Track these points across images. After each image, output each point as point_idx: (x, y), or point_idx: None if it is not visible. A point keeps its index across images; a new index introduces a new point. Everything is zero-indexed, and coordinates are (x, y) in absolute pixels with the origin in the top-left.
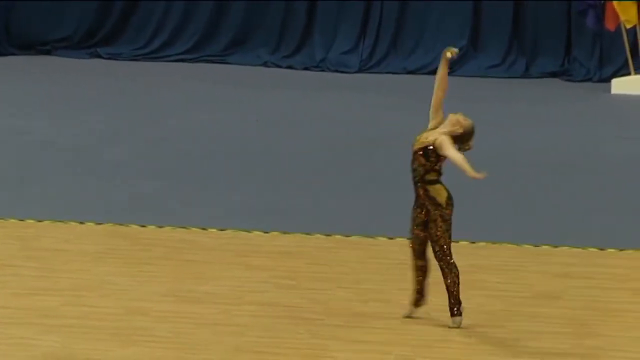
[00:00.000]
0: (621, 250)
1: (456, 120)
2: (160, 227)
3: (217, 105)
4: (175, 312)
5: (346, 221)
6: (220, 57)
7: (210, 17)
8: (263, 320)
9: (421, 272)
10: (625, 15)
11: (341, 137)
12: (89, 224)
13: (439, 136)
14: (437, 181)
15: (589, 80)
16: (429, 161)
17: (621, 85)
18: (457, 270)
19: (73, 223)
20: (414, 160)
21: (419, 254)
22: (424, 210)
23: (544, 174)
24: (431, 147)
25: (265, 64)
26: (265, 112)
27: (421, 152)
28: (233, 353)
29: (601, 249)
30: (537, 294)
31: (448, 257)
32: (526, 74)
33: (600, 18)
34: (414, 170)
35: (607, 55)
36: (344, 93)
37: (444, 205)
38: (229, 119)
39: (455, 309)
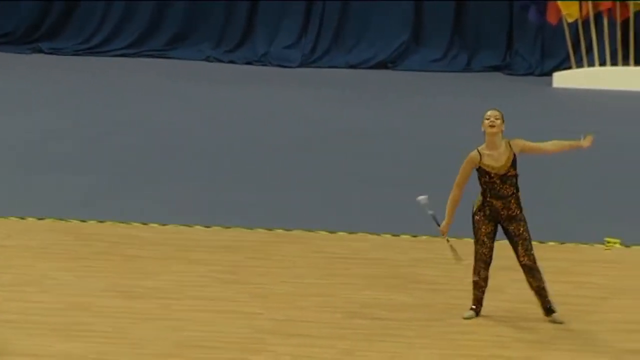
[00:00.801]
0: (562, 243)
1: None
2: (102, 222)
3: (159, 100)
4: (116, 307)
5: (287, 215)
6: (162, 52)
7: (152, 12)
8: (203, 315)
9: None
10: (567, 9)
11: (283, 131)
12: (30, 219)
13: (511, 142)
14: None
15: (531, 74)
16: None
17: (562, 79)
18: (478, 277)
19: (14, 219)
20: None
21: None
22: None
23: None
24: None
25: (207, 59)
26: (207, 107)
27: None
28: (174, 347)
29: (542, 242)
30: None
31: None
32: (468, 68)
33: (542, 12)
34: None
35: (549, 49)
36: (286, 87)
37: (521, 210)
38: (171, 114)
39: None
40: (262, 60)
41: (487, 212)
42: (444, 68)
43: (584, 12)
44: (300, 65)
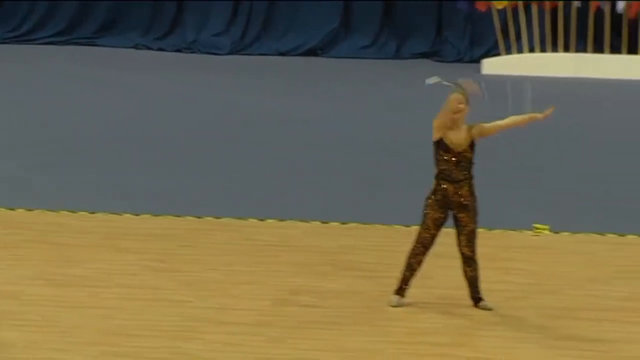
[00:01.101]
0: (490, 230)
1: (447, 103)
2: (30, 210)
3: (88, 88)
4: (45, 296)
5: (216, 203)
6: (91, 40)
7: (80, 0)
8: (133, 303)
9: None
10: None
11: (212, 118)
12: None
13: (471, 126)
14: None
15: (460, 60)
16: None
17: (491, 66)
18: (414, 260)
19: None
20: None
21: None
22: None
23: (416, 154)
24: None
25: (136, 47)
26: (136, 95)
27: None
28: (102, 336)
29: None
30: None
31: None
32: (397, 55)
33: (471, 1)
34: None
35: (478, 36)
36: (215, 75)
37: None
38: (100, 102)
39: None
40: (191, 47)
41: (439, 196)
42: (374, 55)
43: (514, 1)
44: (230, 53)
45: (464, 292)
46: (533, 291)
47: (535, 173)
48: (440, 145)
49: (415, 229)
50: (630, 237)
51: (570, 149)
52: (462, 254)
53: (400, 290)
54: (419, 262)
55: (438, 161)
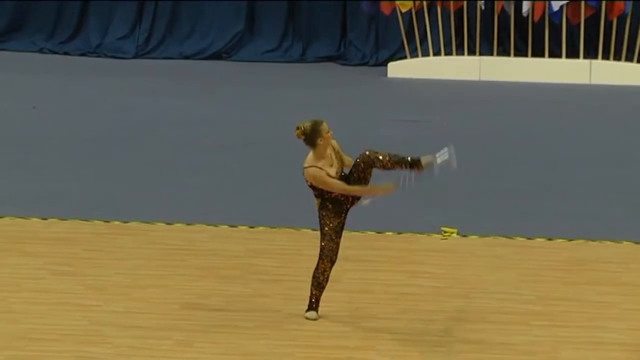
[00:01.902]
0: (399, 233)
1: (297, 133)
2: None
3: None
4: None
5: (124, 207)
6: None
7: None
8: (40, 307)
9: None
10: None
11: (119, 122)
12: None
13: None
14: None
15: (365, 64)
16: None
17: (397, 69)
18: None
19: None
20: None
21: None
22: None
23: None
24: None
25: (41, 51)
26: (41, 99)
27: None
28: (10, 340)
29: (378, 232)
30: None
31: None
32: (302, 59)
33: (375, 2)
34: None
35: (383, 39)
36: (120, 78)
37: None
38: (4, 106)
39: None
40: (96, 51)
41: (330, 205)
42: (279, 58)
43: (417, 3)
44: (135, 57)
45: (371, 295)
46: (441, 294)
47: (442, 176)
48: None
49: None
50: (537, 240)
51: (477, 152)
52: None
53: (314, 307)
54: (327, 279)
55: (326, 200)
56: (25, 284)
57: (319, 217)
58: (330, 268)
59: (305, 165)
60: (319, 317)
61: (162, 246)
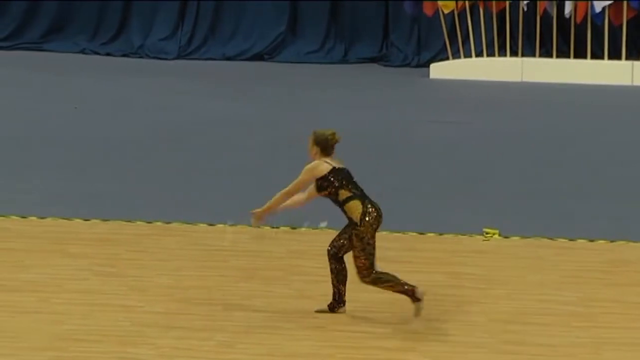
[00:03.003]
0: (440, 234)
1: (310, 140)
2: None
3: (34, 93)
4: None
5: (166, 208)
6: (38, 45)
7: (27, 5)
8: (82, 308)
9: (332, 274)
10: (443, 0)
11: (161, 123)
12: None
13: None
14: (352, 197)
15: (407, 65)
16: (326, 189)
17: (439, 70)
18: (386, 277)
19: None
20: None
21: (330, 256)
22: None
23: (361, 158)
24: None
25: (83, 51)
26: (84, 100)
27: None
28: (53, 341)
29: (421, 234)
30: (355, 278)
31: (366, 277)
32: (344, 60)
33: (418, 3)
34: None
35: (425, 41)
36: (162, 80)
37: (358, 223)
38: (47, 107)
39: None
40: (138, 52)
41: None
42: (321, 60)
43: (460, 3)
44: (177, 58)
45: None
46: (483, 296)
47: (485, 177)
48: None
49: None
50: (579, 241)
51: (520, 153)
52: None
53: (415, 298)
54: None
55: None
56: (67, 284)
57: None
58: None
59: None
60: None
61: (205, 247)
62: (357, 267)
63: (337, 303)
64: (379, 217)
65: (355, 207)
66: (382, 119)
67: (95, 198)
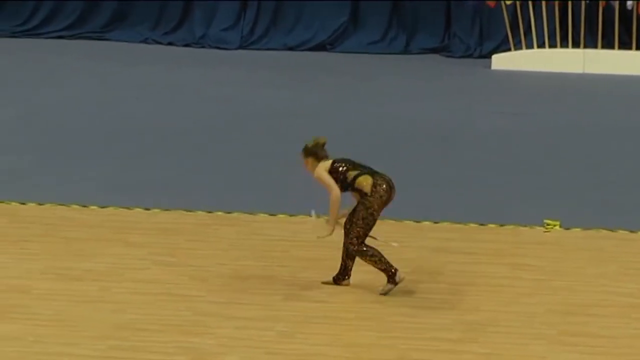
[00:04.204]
0: (501, 225)
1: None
2: (41, 204)
3: (96, 82)
4: (55, 290)
5: (226, 197)
6: (100, 34)
7: None
8: (143, 297)
9: (343, 247)
10: None
11: (222, 113)
12: None
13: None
14: (361, 173)
15: (470, 56)
16: (337, 179)
17: (501, 61)
18: (371, 250)
19: None
20: None
21: (345, 231)
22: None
23: (423, 149)
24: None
25: (145, 41)
26: (146, 89)
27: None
28: (113, 330)
29: (481, 225)
30: (417, 269)
31: (355, 247)
32: (406, 50)
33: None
34: None
35: (487, 32)
36: (224, 69)
37: (369, 193)
38: (109, 96)
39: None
40: (200, 42)
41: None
42: (383, 50)
43: None
44: (239, 48)
45: (474, 287)
46: (543, 287)
47: (546, 169)
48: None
49: (426, 225)
50: None
51: (580, 145)
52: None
53: (393, 280)
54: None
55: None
56: (128, 273)
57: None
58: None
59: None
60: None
61: (265, 237)
62: (353, 235)
63: (342, 276)
64: (389, 190)
65: (365, 180)
66: (443, 110)
67: (155, 187)
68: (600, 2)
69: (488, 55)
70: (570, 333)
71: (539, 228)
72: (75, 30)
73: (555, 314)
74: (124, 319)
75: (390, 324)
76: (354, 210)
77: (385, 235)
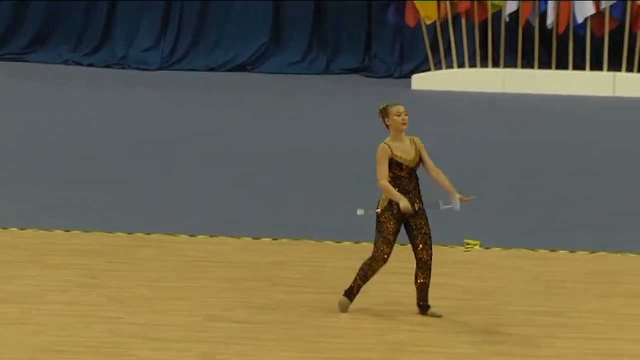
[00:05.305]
0: None
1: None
2: None
3: (17, 104)
4: None
5: (147, 219)
6: (21, 56)
7: (10, 16)
8: (63, 320)
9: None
10: (426, 11)
11: (142, 134)
12: None
13: (413, 140)
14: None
15: (390, 76)
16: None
17: (421, 82)
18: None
19: None
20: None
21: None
22: None
23: (345, 169)
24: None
25: (66, 62)
26: (66, 110)
27: None
28: (34, 352)
29: (403, 245)
30: (339, 289)
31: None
32: (327, 71)
33: (401, 14)
34: None
35: (408, 52)
36: (145, 90)
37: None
38: (30, 117)
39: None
40: (121, 63)
41: (395, 210)
42: (304, 70)
43: (442, 14)
44: (160, 69)
45: (397, 307)
46: (468, 307)
47: (467, 188)
48: (393, 165)
49: (347, 245)
50: (560, 252)
51: (501, 164)
52: (419, 259)
53: (352, 296)
54: (374, 273)
55: (391, 179)
56: (48, 296)
57: (381, 220)
58: (381, 267)
59: None
60: (351, 309)
61: (186, 258)
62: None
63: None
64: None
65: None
66: (366, 130)
67: (75, 209)
68: (520, 22)
69: (408, 76)
70: (495, 353)
71: (459, 247)
72: None
73: (479, 333)
74: (44, 342)
75: (312, 344)
76: (421, 221)
77: (304, 255)
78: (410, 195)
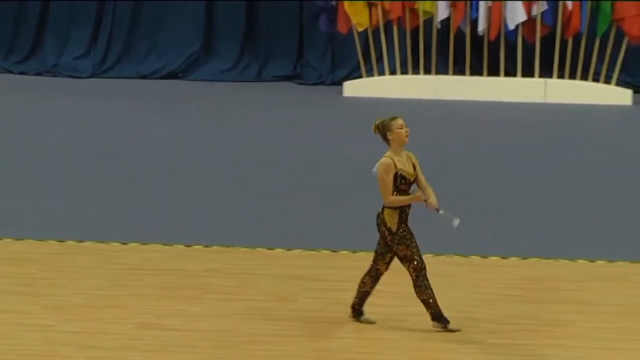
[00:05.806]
0: (354, 252)
1: (372, 128)
2: None
3: None
4: None
5: (79, 227)
6: None
7: None
8: None
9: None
10: (357, 18)
11: (73, 141)
12: None
13: (408, 154)
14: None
15: (322, 83)
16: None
17: (353, 88)
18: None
19: None
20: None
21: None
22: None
23: (277, 176)
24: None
25: None
26: None
27: None
28: None
29: (334, 251)
30: (270, 296)
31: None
32: (259, 78)
33: (333, 21)
34: None
35: (339, 59)
36: (77, 98)
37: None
38: None
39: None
40: (52, 71)
41: (406, 222)
42: (235, 78)
43: (374, 21)
44: (91, 76)
45: (327, 315)
46: (397, 313)
47: None
48: (397, 179)
49: (279, 252)
50: (492, 258)
51: (432, 171)
52: (377, 270)
53: (443, 319)
54: (428, 280)
55: (396, 192)
56: None
57: (400, 237)
58: (426, 272)
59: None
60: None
61: (118, 265)
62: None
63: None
64: None
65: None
66: (298, 137)
67: (6, 216)
68: (452, 28)
69: (340, 82)
70: (424, 359)
71: None
72: None
73: (411, 340)
74: None
75: (245, 351)
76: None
77: (236, 262)
78: (407, 210)
